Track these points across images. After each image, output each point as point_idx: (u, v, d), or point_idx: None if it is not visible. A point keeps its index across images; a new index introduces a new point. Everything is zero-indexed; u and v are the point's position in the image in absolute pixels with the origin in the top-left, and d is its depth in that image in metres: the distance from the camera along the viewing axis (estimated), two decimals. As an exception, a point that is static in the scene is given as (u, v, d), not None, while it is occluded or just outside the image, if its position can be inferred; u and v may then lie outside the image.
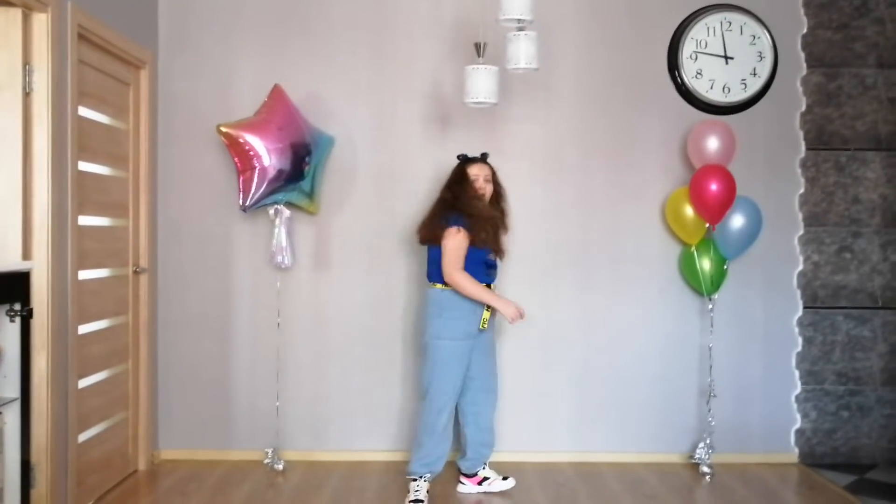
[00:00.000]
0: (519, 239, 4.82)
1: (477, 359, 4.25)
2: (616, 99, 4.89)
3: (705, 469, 4.64)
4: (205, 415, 4.87)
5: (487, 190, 4.26)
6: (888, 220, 4.91)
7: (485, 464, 4.42)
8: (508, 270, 4.82)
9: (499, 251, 4.28)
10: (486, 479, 4.39)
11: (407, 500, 4.15)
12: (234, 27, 4.83)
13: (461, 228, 4.07)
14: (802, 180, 4.90)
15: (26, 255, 3.50)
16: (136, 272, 4.56)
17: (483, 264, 4.17)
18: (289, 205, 4.53)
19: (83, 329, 3.97)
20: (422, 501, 4.11)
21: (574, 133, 4.89)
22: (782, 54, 4.85)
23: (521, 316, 4.16)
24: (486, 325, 4.17)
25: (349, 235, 4.86)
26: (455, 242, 4.07)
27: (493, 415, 4.40)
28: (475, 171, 4.24)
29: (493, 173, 4.33)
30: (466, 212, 4.11)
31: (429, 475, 4.24)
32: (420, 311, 4.73)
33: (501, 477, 4.41)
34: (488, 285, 4.20)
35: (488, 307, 4.15)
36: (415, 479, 4.21)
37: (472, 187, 4.19)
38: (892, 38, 4.90)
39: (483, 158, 4.33)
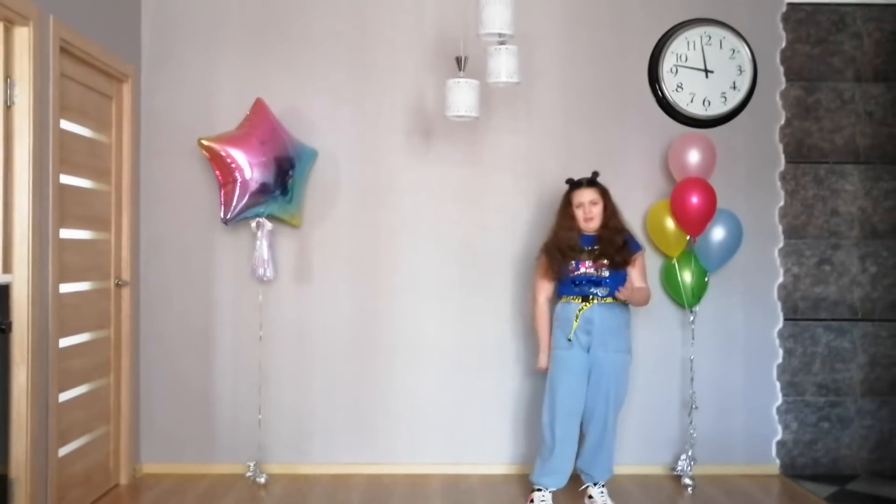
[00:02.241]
0: (501, 251, 4.85)
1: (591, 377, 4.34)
2: (597, 112, 4.93)
3: (687, 481, 4.65)
4: (187, 428, 4.85)
5: (595, 213, 4.30)
6: (867, 232, 4.96)
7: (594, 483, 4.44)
8: (491, 283, 4.85)
9: (602, 266, 4.28)
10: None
11: None
12: (217, 41, 4.84)
13: (541, 255, 4.45)
14: (782, 193, 4.95)
15: (6, 268, 3.49)
16: (117, 285, 4.55)
17: (570, 283, 4.31)
18: (271, 218, 4.54)
19: (64, 342, 3.95)
20: None
21: (556, 146, 4.92)
22: (761, 68, 4.90)
23: (542, 369, 4.46)
24: (571, 337, 4.28)
25: (331, 248, 4.86)
26: (537, 271, 4.51)
27: (590, 440, 4.40)
28: (578, 199, 4.34)
29: (604, 193, 4.36)
30: (549, 240, 4.42)
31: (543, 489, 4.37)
32: (406, 322, 4.88)
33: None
34: (584, 298, 4.27)
35: (576, 318, 4.27)
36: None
37: (570, 217, 4.34)
38: (868, 52, 4.96)
39: (588, 181, 4.38)
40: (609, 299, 4.28)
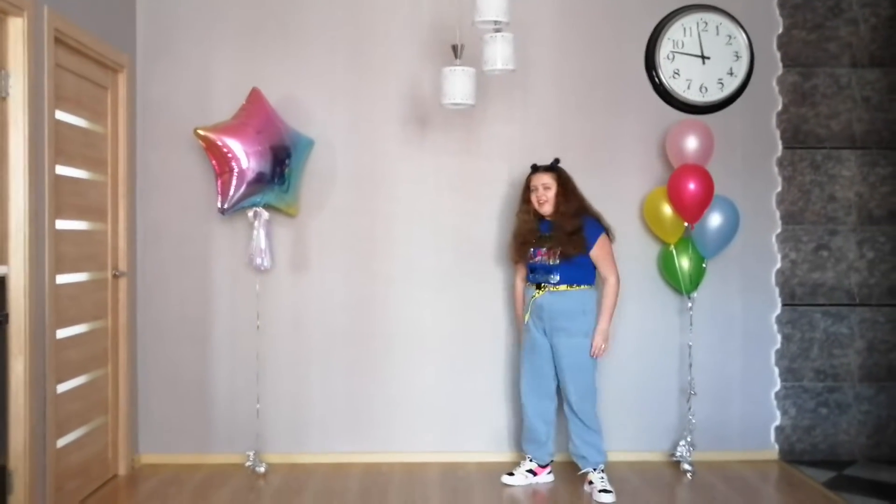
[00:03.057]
0: (497, 239, 4.85)
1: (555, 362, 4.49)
2: (594, 99, 4.92)
3: (686, 467, 4.66)
4: (185, 418, 4.85)
5: (549, 197, 4.36)
6: (864, 217, 4.96)
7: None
8: (487, 271, 4.85)
9: (554, 255, 4.34)
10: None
11: None
12: (212, 31, 4.82)
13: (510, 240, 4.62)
14: (779, 179, 4.95)
15: (2, 259, 3.49)
16: (114, 276, 4.54)
17: (529, 268, 4.48)
18: (268, 207, 4.53)
19: (61, 333, 3.94)
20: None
21: (552, 133, 4.91)
22: (758, 54, 4.89)
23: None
24: (526, 321, 4.47)
25: (328, 237, 4.86)
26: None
27: (568, 425, 4.54)
28: (533, 183, 4.45)
29: (561, 180, 4.41)
30: (514, 225, 4.60)
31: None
32: (403, 311, 4.88)
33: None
34: (538, 285, 4.40)
35: (529, 305, 4.46)
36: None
37: (526, 200, 4.48)
38: (865, 38, 4.95)
39: (546, 167, 4.46)
40: (562, 287, 4.35)
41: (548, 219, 4.41)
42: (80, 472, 4.18)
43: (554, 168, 4.45)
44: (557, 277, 4.34)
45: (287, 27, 4.84)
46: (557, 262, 4.33)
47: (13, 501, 3.46)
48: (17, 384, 3.50)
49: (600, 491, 4.27)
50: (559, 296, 4.35)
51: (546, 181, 4.39)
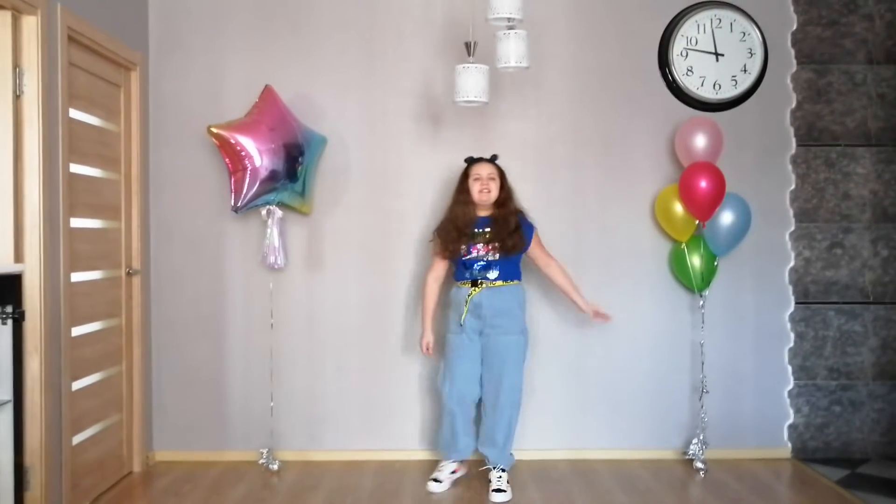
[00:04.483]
0: (511, 237, 4.84)
1: (484, 360, 4.43)
2: (607, 96, 4.91)
3: (699, 465, 4.65)
4: (199, 416, 4.87)
5: (492, 187, 4.33)
6: (878, 215, 4.94)
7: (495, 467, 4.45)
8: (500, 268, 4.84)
9: (494, 250, 4.30)
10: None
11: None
12: (225, 28, 4.83)
13: (434, 234, 4.46)
14: (793, 176, 4.92)
15: (18, 257, 3.50)
16: (128, 274, 4.56)
17: (462, 266, 4.35)
18: (281, 205, 4.53)
19: (76, 331, 3.96)
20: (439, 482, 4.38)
21: (565, 131, 4.90)
22: (772, 51, 4.87)
23: (430, 353, 4.53)
24: (463, 322, 4.33)
25: (342, 235, 4.86)
26: (432, 248, 4.50)
27: (485, 423, 4.48)
28: (476, 171, 4.36)
29: (502, 174, 4.40)
30: (444, 217, 4.45)
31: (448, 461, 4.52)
32: (414, 309, 4.83)
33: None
34: (475, 282, 4.31)
35: (466, 303, 4.32)
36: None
37: (465, 190, 4.35)
38: (881, 34, 4.92)
39: (488, 159, 4.42)
40: (499, 283, 4.32)
41: (483, 214, 4.37)
42: (95, 468, 4.20)
43: (494, 161, 4.43)
44: (497, 273, 4.31)
45: (299, 25, 4.84)
46: (496, 257, 4.30)
47: (30, 498, 3.48)
48: (33, 381, 3.52)
49: (494, 490, 4.24)
50: (497, 292, 4.32)
51: (491, 172, 4.36)
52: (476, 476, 4.51)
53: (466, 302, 4.31)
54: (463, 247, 4.32)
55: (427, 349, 4.49)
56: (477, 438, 4.54)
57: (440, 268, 4.48)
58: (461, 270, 4.36)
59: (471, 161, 4.44)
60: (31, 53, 3.53)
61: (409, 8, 4.86)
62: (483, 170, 4.36)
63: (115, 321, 4.43)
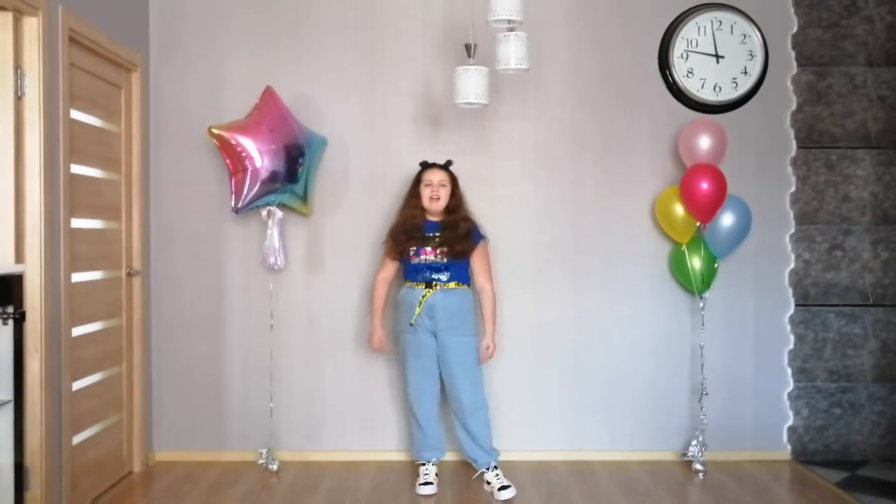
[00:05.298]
0: (509, 238, 4.84)
1: (442, 364, 4.44)
2: (607, 98, 4.91)
3: (698, 467, 4.65)
4: (199, 416, 4.88)
5: (442, 194, 4.36)
6: (878, 217, 4.94)
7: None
8: (500, 269, 4.83)
9: (443, 254, 4.34)
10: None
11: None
12: (225, 29, 4.84)
13: (387, 235, 4.51)
14: (793, 178, 4.92)
15: (19, 258, 3.51)
16: (128, 274, 4.56)
17: (413, 269, 4.39)
18: (281, 206, 4.54)
19: (76, 331, 3.97)
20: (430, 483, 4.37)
21: (565, 133, 4.90)
22: (773, 53, 4.87)
23: (381, 347, 4.54)
24: (413, 322, 4.37)
25: (342, 236, 4.87)
26: (383, 249, 4.55)
27: (459, 426, 4.48)
28: (427, 177, 4.40)
29: (454, 181, 4.43)
30: (395, 219, 4.51)
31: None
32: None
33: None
34: (428, 284, 4.35)
35: (420, 304, 4.34)
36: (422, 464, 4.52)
37: (416, 195, 4.40)
38: (881, 36, 4.92)
39: (444, 165, 4.46)
40: (451, 285, 4.36)
41: (433, 219, 4.40)
42: (95, 469, 4.20)
43: (447, 168, 4.46)
44: (448, 275, 4.35)
45: (300, 26, 4.85)
46: (446, 260, 4.33)
47: (30, 498, 3.49)
48: (33, 382, 3.53)
49: (500, 489, 4.25)
50: (450, 293, 4.36)
51: (442, 178, 4.39)
52: (478, 477, 4.51)
53: (420, 303, 4.34)
54: (412, 249, 4.36)
55: (379, 344, 4.52)
56: (444, 438, 4.60)
57: (390, 268, 4.52)
58: (411, 273, 4.41)
59: (424, 166, 4.47)
60: (33, 54, 3.54)
61: (409, 10, 4.86)
62: (434, 176, 4.39)
63: (115, 322, 4.44)
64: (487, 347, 4.45)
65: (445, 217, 4.39)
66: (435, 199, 4.35)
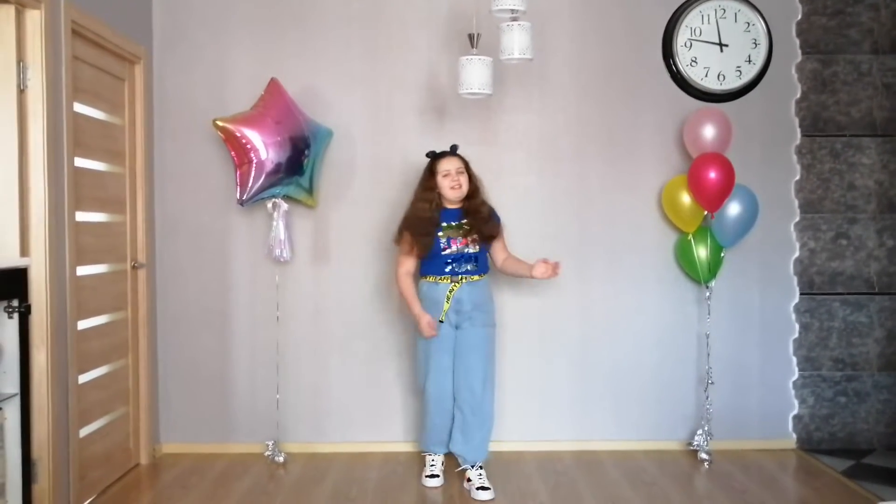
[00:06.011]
0: (514, 229, 4.81)
1: (458, 353, 4.34)
2: (611, 88, 4.90)
3: (704, 456, 4.66)
4: (205, 408, 4.89)
5: (462, 181, 4.27)
6: (884, 206, 4.93)
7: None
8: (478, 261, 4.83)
9: (473, 241, 4.27)
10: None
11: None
12: (229, 21, 4.82)
13: (403, 231, 4.30)
14: (798, 167, 4.91)
15: (24, 251, 3.51)
16: (134, 267, 4.57)
17: (441, 262, 4.25)
18: (287, 198, 4.54)
19: (82, 325, 3.98)
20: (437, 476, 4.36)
21: (569, 122, 4.89)
22: (777, 41, 4.85)
23: (433, 332, 4.25)
24: (444, 318, 4.26)
25: (348, 228, 4.86)
26: (400, 246, 4.35)
27: (461, 419, 4.37)
28: (444, 167, 4.27)
29: (467, 165, 4.34)
30: (409, 213, 4.32)
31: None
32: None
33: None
34: (454, 277, 4.24)
35: (447, 299, 4.24)
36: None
37: (432, 187, 4.26)
38: (886, 24, 4.90)
39: (452, 151, 4.36)
40: (476, 277, 4.29)
41: (452, 206, 4.31)
42: (102, 461, 4.21)
43: (457, 153, 4.36)
44: (475, 265, 4.28)
45: (304, 17, 4.84)
46: (477, 248, 4.28)
47: (37, 490, 3.50)
48: (40, 375, 3.53)
49: (479, 489, 4.17)
50: (474, 286, 4.28)
51: (458, 166, 4.28)
52: (460, 472, 4.47)
53: (448, 298, 4.25)
54: (443, 241, 4.24)
55: (431, 327, 4.24)
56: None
57: (411, 263, 4.33)
58: (436, 265, 4.26)
59: (434, 156, 4.35)
60: (35, 47, 3.53)
61: (414, 0, 4.85)
62: (451, 164, 4.27)
63: (121, 314, 4.44)
64: (544, 263, 4.26)
65: (467, 203, 4.30)
66: (457, 188, 4.24)
